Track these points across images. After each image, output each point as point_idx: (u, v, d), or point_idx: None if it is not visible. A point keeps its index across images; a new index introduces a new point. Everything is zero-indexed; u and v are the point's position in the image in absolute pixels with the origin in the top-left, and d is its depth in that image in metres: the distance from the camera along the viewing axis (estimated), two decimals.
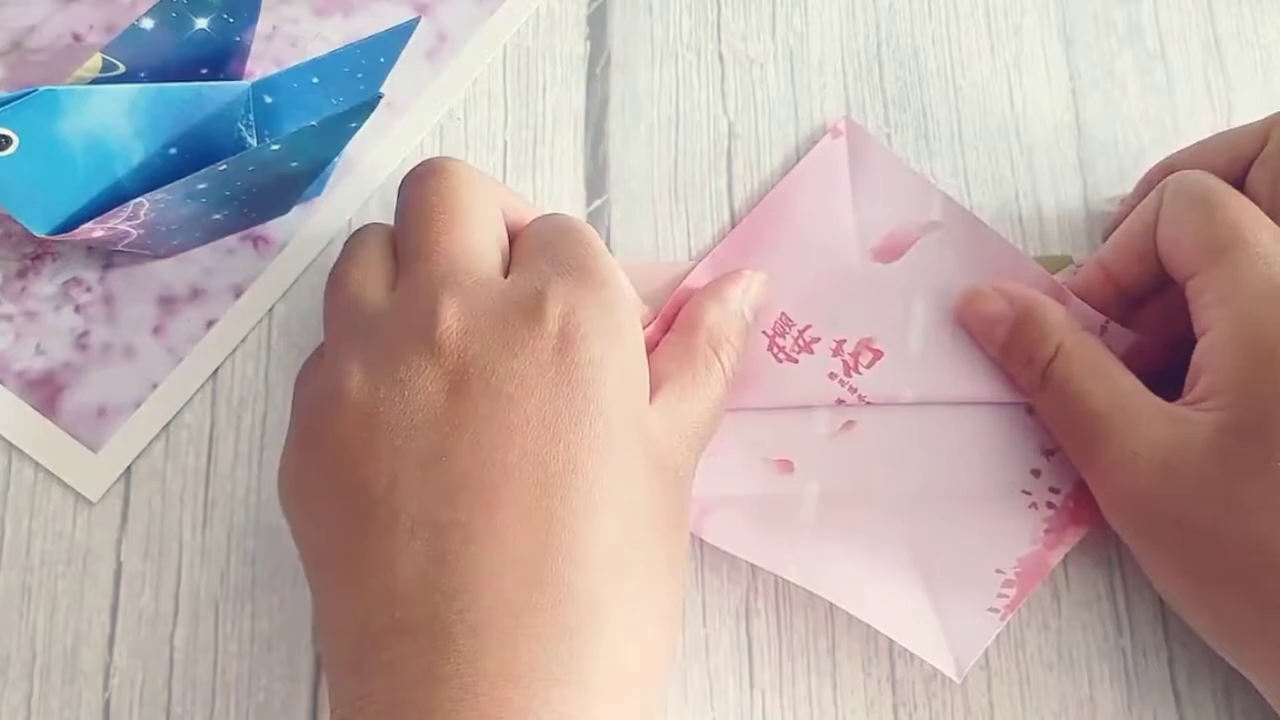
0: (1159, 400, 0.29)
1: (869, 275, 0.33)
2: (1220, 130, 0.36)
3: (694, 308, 0.31)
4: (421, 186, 0.29)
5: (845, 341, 0.33)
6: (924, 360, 0.33)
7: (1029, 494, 0.32)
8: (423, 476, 0.24)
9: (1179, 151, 0.33)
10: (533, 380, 0.25)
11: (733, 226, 0.34)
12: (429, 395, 0.25)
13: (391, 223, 0.29)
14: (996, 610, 0.30)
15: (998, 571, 0.31)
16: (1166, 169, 0.32)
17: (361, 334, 0.27)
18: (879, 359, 0.33)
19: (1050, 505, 0.32)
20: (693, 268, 0.33)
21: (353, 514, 0.25)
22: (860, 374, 0.33)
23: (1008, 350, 0.32)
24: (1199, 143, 0.32)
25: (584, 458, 0.25)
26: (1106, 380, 0.29)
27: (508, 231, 0.29)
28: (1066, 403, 0.30)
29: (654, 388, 0.28)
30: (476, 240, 0.28)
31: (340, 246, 0.34)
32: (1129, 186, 0.35)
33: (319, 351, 0.29)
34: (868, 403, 0.32)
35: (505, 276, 0.27)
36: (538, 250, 0.28)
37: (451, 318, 0.26)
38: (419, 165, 0.29)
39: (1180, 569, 0.28)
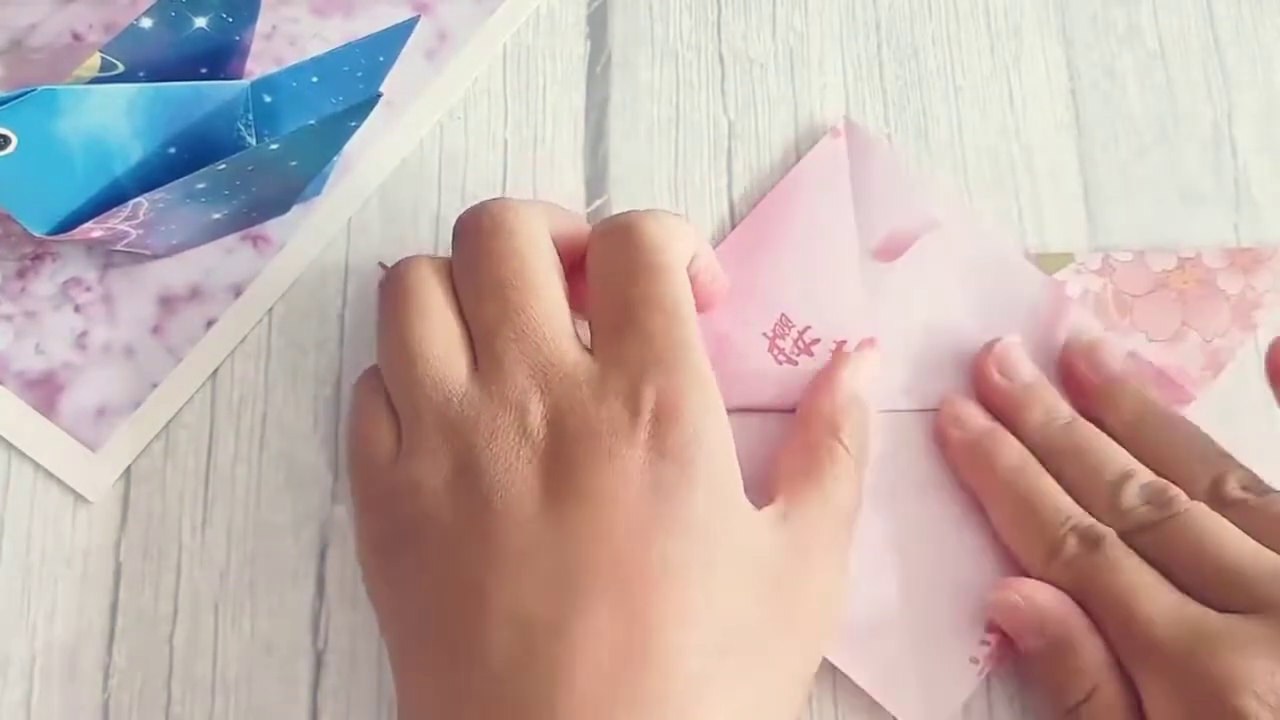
0: None
1: (869, 275, 0.33)
2: (1218, 131, 0.36)
3: (805, 403, 0.30)
4: (486, 250, 0.27)
5: (845, 343, 0.33)
6: (923, 363, 0.33)
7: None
8: (515, 571, 0.24)
9: None
10: (627, 482, 0.25)
11: (733, 226, 0.34)
12: (522, 493, 0.25)
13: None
14: (977, 661, 0.30)
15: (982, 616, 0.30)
16: None
17: (450, 422, 0.26)
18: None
19: None
20: None
21: (447, 605, 0.25)
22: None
23: (1037, 672, 0.29)
24: None
25: (676, 564, 0.24)
26: None
27: (566, 254, 0.29)
28: None
29: (772, 492, 0.28)
30: (555, 313, 0.27)
31: (341, 246, 0.34)
32: (1129, 186, 0.35)
33: (368, 413, 0.28)
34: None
35: (576, 338, 0.27)
36: (622, 321, 0.27)
37: (543, 413, 0.25)
38: (477, 217, 0.28)
39: None
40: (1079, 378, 0.32)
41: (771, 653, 0.25)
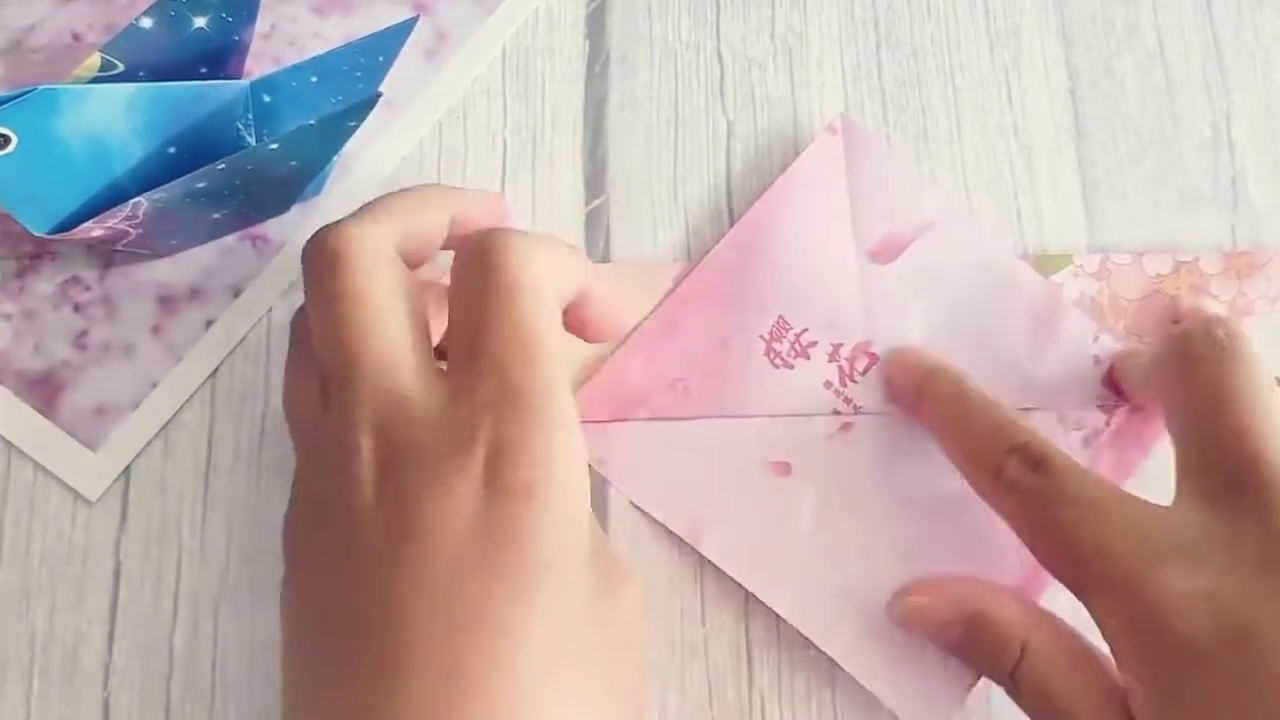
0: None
1: (865, 276, 0.33)
2: (1218, 131, 0.36)
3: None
4: (321, 291, 0.26)
5: (842, 346, 0.33)
6: None
7: None
8: (352, 610, 0.24)
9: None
10: (456, 519, 0.23)
11: (732, 226, 0.34)
12: (365, 532, 0.24)
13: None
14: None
15: None
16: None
17: (308, 454, 0.27)
18: (875, 364, 0.33)
19: None
20: (689, 269, 0.33)
21: (303, 638, 0.25)
22: (856, 382, 0.32)
23: (968, 657, 0.30)
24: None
25: (500, 612, 0.23)
26: (1078, 673, 0.27)
27: (450, 237, 0.28)
28: (1040, 704, 0.28)
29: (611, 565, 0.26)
30: (395, 346, 0.25)
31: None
32: (1129, 186, 0.35)
33: (298, 364, 0.29)
34: (862, 413, 0.32)
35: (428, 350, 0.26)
36: (474, 347, 0.25)
37: (378, 451, 0.24)
38: (312, 252, 0.26)
39: None
40: (898, 385, 0.32)
41: (596, 690, 0.24)
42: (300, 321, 0.29)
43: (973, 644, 0.29)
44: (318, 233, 0.26)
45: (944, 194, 0.34)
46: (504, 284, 0.25)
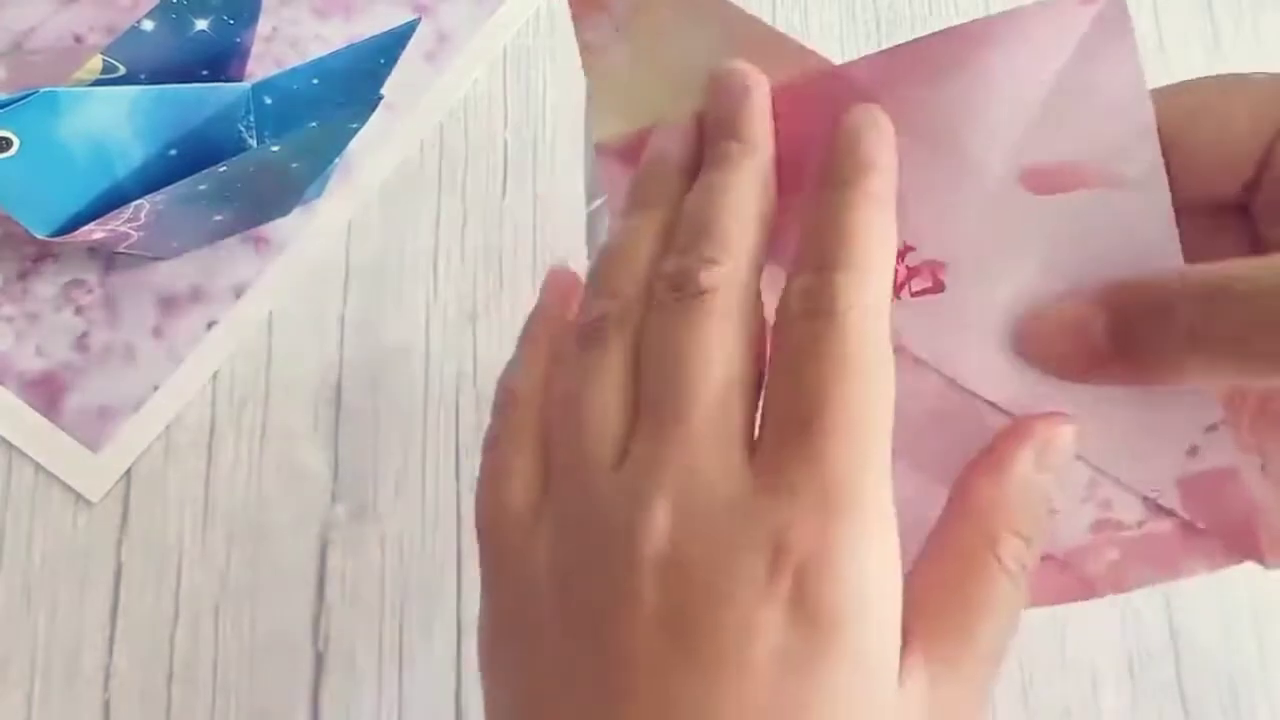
0: None
1: (998, 195, 0.24)
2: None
3: (961, 486, 0.22)
4: (675, 317, 0.21)
5: (914, 251, 0.24)
6: (981, 321, 0.23)
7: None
8: (604, 712, 0.20)
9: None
10: (752, 646, 0.19)
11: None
12: (630, 621, 0.20)
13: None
14: None
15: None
16: None
17: (579, 505, 0.21)
18: (935, 293, 0.24)
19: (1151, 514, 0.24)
20: (827, 65, 0.24)
21: None
22: (903, 299, 0.24)
23: (1126, 347, 0.22)
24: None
25: None
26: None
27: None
28: (1244, 317, 0.20)
29: (908, 627, 0.20)
30: (727, 406, 0.21)
31: (341, 247, 0.34)
32: None
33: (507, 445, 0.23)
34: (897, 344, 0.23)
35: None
36: (798, 430, 0.20)
37: (667, 532, 0.20)
38: (681, 260, 0.21)
39: None
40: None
41: None
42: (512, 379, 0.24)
43: (1126, 321, 0.21)
44: (696, 219, 0.22)
45: (1161, 157, 0.22)
46: (856, 370, 0.20)
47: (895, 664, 0.20)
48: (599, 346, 0.22)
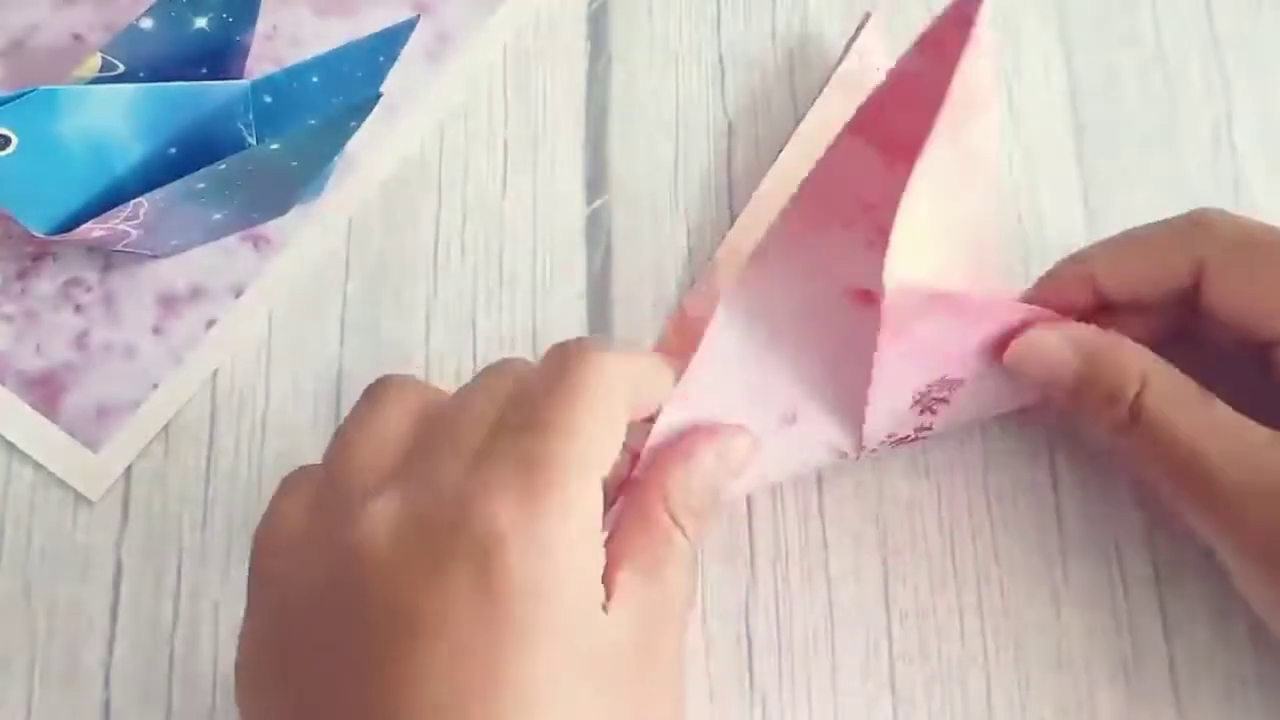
0: (1268, 432, 0.27)
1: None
2: (1217, 131, 0.36)
3: (655, 469, 0.27)
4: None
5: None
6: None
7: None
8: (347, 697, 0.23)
9: (1092, 248, 0.31)
10: (454, 612, 0.22)
11: (730, 227, 0.34)
12: (359, 612, 0.23)
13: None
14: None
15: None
16: (1079, 262, 0.31)
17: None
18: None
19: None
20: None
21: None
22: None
23: (1079, 391, 0.29)
24: (1110, 241, 0.31)
25: (518, 674, 0.22)
26: (1203, 414, 0.27)
27: None
28: (1163, 442, 0.27)
29: (611, 566, 0.25)
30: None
31: (341, 246, 0.34)
32: (1129, 186, 0.35)
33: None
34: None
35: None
36: (502, 435, 0.24)
37: (386, 531, 0.23)
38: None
39: None
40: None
41: None
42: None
43: (1091, 379, 0.28)
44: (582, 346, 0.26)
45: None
46: (569, 384, 0.24)
47: (598, 607, 0.24)
48: (380, 399, 0.26)
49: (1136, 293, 0.30)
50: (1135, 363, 0.28)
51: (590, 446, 0.24)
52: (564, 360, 0.25)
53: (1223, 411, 0.27)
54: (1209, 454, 0.27)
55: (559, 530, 0.23)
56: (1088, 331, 0.29)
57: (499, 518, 0.22)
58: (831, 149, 0.27)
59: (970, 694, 0.31)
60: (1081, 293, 0.30)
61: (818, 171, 0.28)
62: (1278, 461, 0.26)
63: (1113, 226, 0.35)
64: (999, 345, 0.29)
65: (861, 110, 0.27)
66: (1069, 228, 0.35)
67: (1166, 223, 0.30)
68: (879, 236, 0.28)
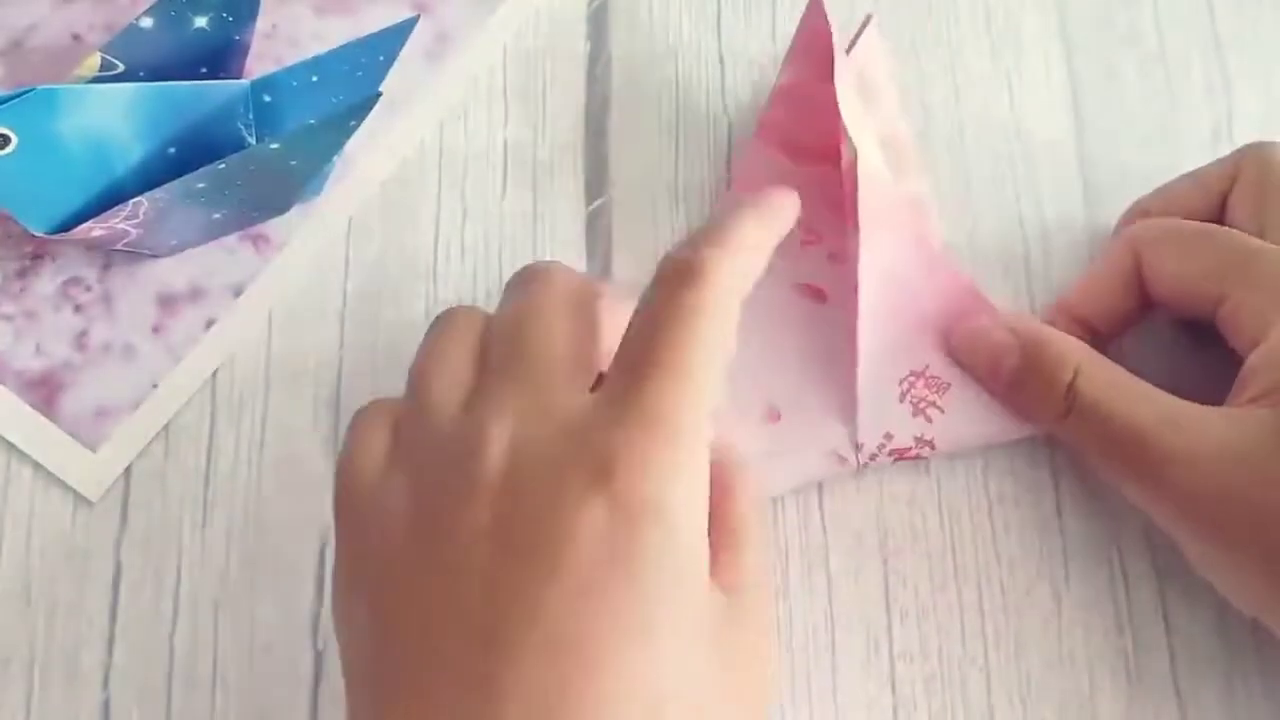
0: (1201, 406, 0.28)
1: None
2: (1218, 131, 0.36)
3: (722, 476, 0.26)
4: (516, 295, 0.27)
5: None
6: None
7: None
8: (451, 617, 0.23)
9: (1149, 195, 0.33)
10: (577, 537, 0.22)
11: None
12: (472, 532, 0.23)
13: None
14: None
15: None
16: (1141, 211, 0.33)
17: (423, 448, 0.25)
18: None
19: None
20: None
21: (389, 646, 0.24)
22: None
23: (1020, 381, 0.30)
24: (1167, 185, 0.33)
25: (619, 627, 0.22)
26: (1137, 392, 0.29)
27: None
28: (1100, 421, 0.29)
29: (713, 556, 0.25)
30: (558, 354, 0.25)
31: (341, 246, 0.34)
32: (1130, 186, 0.35)
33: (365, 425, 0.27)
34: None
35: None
36: (620, 372, 0.24)
37: (504, 451, 0.23)
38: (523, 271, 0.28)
39: (1262, 568, 0.27)
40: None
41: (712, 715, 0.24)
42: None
43: (1029, 368, 0.30)
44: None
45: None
46: (687, 304, 0.24)
47: (705, 569, 0.23)
48: (448, 323, 0.27)
49: (1117, 312, 0.32)
50: (1070, 352, 0.30)
51: (706, 387, 0.24)
52: (673, 290, 0.24)
53: (1155, 391, 0.29)
54: (1145, 425, 0.28)
55: (680, 470, 0.23)
56: (1026, 322, 0.31)
57: (622, 455, 0.23)
58: (743, 160, 0.33)
59: (970, 694, 0.31)
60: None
61: (738, 180, 0.33)
62: (1212, 427, 0.27)
63: (1113, 226, 0.35)
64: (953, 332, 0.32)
65: (761, 125, 0.33)
66: (1069, 227, 0.35)
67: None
68: (808, 234, 0.33)
